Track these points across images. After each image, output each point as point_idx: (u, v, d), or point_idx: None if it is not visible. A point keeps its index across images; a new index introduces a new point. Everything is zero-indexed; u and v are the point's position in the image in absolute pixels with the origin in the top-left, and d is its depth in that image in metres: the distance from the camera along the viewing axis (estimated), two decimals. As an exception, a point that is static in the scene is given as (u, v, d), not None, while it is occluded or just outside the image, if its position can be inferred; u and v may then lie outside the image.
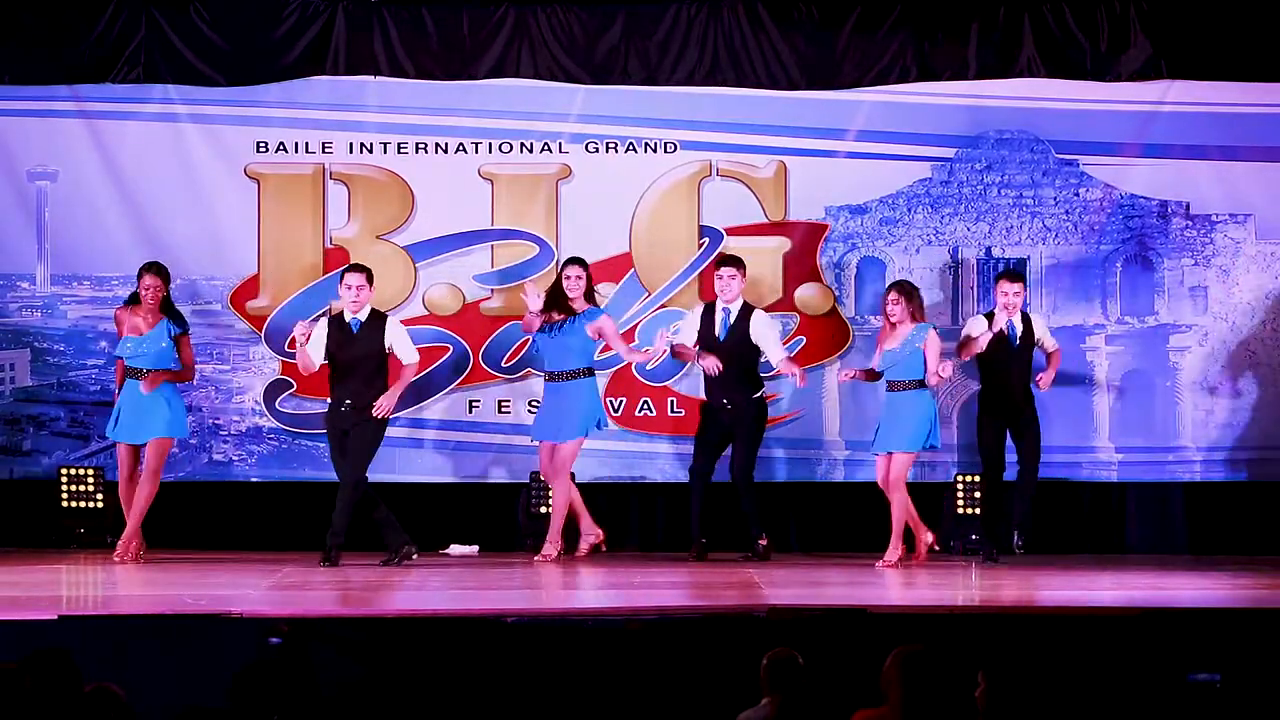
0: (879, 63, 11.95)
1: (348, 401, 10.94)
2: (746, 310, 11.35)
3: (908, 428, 11.09)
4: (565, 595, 10.24)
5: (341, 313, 11.08)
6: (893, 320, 11.12)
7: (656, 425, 12.00)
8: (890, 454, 11.10)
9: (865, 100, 12.00)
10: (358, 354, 10.96)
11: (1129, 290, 12.04)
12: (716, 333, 11.31)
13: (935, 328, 11.28)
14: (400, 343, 11.10)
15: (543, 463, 11.33)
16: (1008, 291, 11.21)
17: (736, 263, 11.39)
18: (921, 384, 11.08)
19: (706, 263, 11.96)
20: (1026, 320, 11.33)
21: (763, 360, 11.41)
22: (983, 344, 11.15)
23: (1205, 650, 7.87)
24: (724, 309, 11.34)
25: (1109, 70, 11.92)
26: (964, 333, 11.38)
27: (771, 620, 8.16)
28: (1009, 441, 11.35)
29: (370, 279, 11.07)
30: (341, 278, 11.11)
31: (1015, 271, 11.54)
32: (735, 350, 11.29)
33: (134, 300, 11.07)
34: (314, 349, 10.98)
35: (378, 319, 11.08)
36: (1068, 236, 12.03)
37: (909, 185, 12.05)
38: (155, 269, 11.03)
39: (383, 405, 10.97)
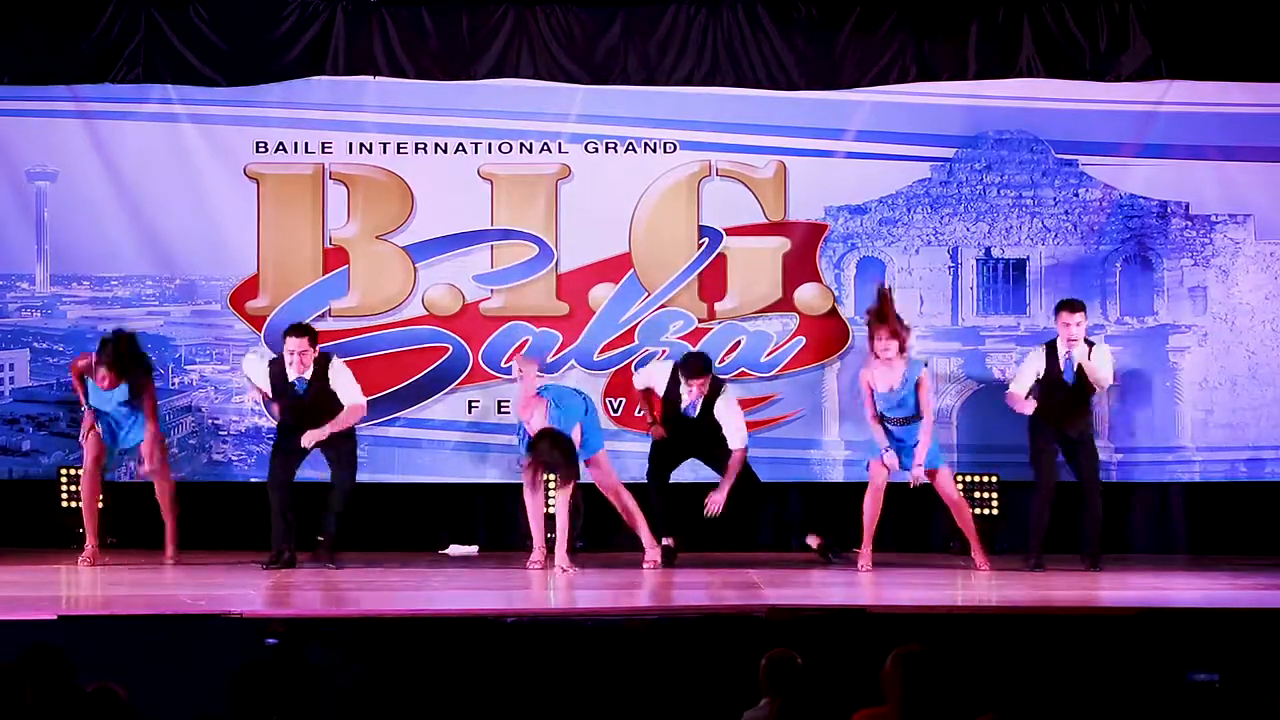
0: (878, 63, 11.95)
1: (313, 439, 10.86)
2: (713, 391, 11.29)
3: (931, 444, 11.03)
4: (565, 595, 10.25)
5: (282, 361, 10.93)
6: (886, 358, 10.95)
7: (656, 425, 11.99)
8: (935, 469, 11.01)
9: (864, 100, 12.00)
10: (309, 408, 10.87)
11: (1128, 290, 12.04)
12: (683, 410, 11.27)
13: (925, 365, 11.25)
14: (345, 389, 10.93)
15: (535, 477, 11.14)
16: (1069, 322, 11.00)
17: (705, 372, 11.23)
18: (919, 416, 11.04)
19: (706, 263, 11.96)
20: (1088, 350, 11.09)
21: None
22: (1025, 408, 11.04)
23: (1204, 650, 7.88)
24: (689, 405, 11.27)
25: (1108, 70, 11.92)
26: (1021, 370, 11.15)
27: (771, 620, 8.17)
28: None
29: (314, 341, 10.91)
30: (284, 338, 10.95)
31: (1076, 301, 11.24)
32: (705, 428, 11.28)
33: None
34: (255, 374, 10.97)
35: (320, 370, 10.94)
36: (1067, 237, 12.03)
37: (908, 185, 12.04)
38: (102, 348, 10.92)
39: (310, 436, 10.83)
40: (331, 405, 10.94)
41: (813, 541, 11.43)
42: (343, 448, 11.02)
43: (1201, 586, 10.39)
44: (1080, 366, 11.06)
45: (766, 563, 11.22)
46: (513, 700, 7.76)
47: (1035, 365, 11.12)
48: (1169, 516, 12.14)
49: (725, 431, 11.27)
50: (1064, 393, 11.06)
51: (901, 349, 10.98)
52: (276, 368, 10.98)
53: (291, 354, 10.87)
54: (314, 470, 11.18)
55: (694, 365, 11.23)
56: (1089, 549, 11.11)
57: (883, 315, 11.04)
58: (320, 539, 11.02)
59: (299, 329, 11.00)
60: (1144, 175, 12.00)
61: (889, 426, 11.04)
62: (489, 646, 7.97)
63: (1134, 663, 7.91)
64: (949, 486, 11.12)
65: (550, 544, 11.04)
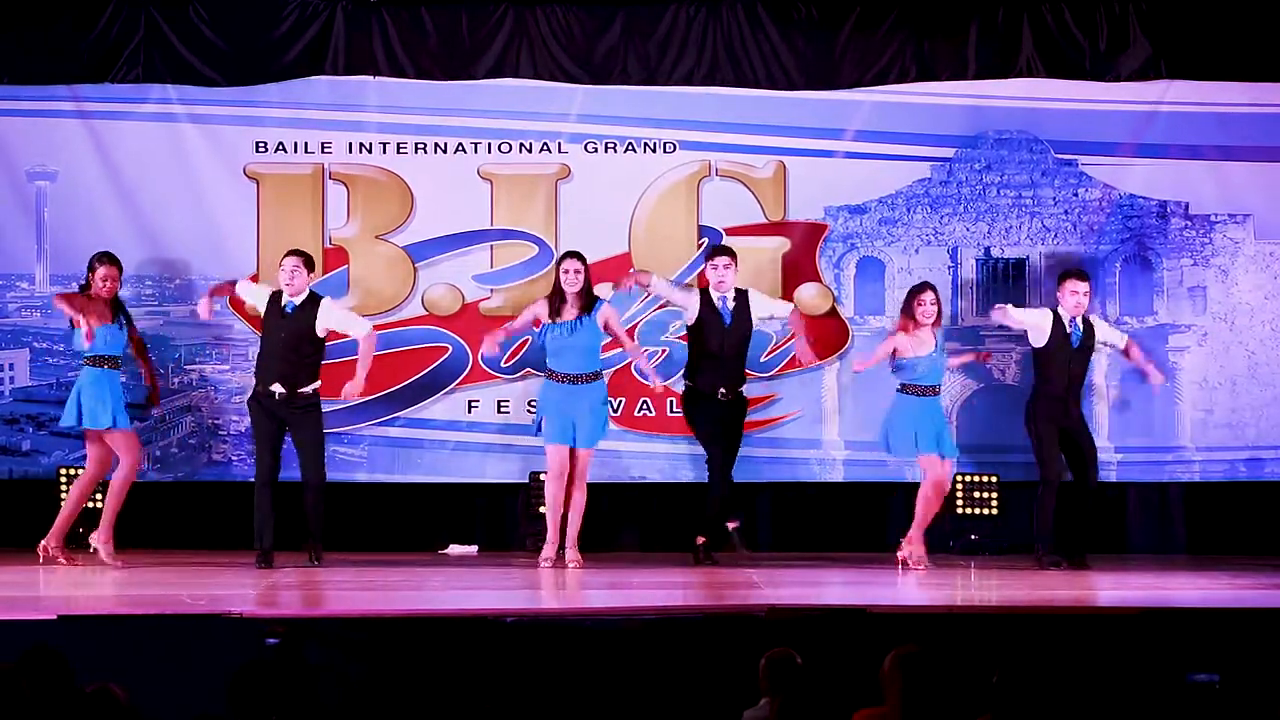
0: (878, 63, 11.95)
1: (278, 389, 10.89)
2: (742, 295, 11.33)
3: (948, 430, 11.10)
4: (565, 595, 10.25)
5: (280, 293, 11.08)
6: (925, 322, 11.00)
7: (656, 425, 11.99)
8: (945, 457, 11.03)
9: (864, 100, 12.00)
10: (288, 335, 10.96)
11: (1128, 290, 12.04)
12: (723, 319, 11.25)
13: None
14: (343, 320, 11.14)
15: (563, 466, 11.04)
16: (1077, 290, 11.07)
17: (731, 252, 11.36)
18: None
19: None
20: (1088, 324, 11.20)
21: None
22: (1006, 318, 11.15)
23: (1205, 650, 7.88)
24: (720, 298, 11.29)
25: (1108, 70, 11.92)
26: (1028, 312, 11.24)
27: (771, 620, 8.17)
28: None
29: (309, 264, 11.10)
30: (280, 261, 11.10)
31: (1084, 270, 11.36)
32: (743, 335, 11.29)
33: (83, 289, 11.03)
34: (249, 295, 11.16)
35: (312, 301, 11.08)
36: (1067, 237, 12.03)
37: (908, 185, 12.05)
38: (112, 259, 11.04)
39: (349, 390, 11.04)
40: (307, 342, 10.98)
41: (731, 524, 11.34)
42: (310, 431, 10.99)
43: (1201, 586, 10.39)
44: (1086, 333, 11.11)
45: (767, 563, 11.22)
46: (513, 700, 7.75)
47: (1040, 321, 11.12)
48: (1169, 516, 12.14)
49: (773, 310, 11.42)
50: (1070, 359, 11.09)
51: (940, 315, 11.04)
52: (275, 293, 11.07)
53: (283, 270, 10.98)
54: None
55: (719, 247, 11.36)
56: (1077, 547, 11.09)
57: (934, 287, 11.17)
58: (313, 545, 10.98)
59: (296, 250, 11.14)
60: (1143, 175, 12.01)
61: (912, 395, 10.98)
62: (489, 646, 7.96)
63: (1134, 663, 7.91)
64: (948, 477, 11.07)
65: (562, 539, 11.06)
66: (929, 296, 11.04)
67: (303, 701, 5.81)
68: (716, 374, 11.24)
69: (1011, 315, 11.20)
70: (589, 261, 11.35)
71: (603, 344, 11.32)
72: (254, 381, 11.11)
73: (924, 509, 10.99)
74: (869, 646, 6.87)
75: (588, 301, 11.11)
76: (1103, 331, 11.35)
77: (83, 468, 11.76)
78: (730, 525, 11.33)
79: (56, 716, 5.71)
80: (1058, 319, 11.13)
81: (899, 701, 5.57)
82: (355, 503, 11.84)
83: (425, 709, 7.75)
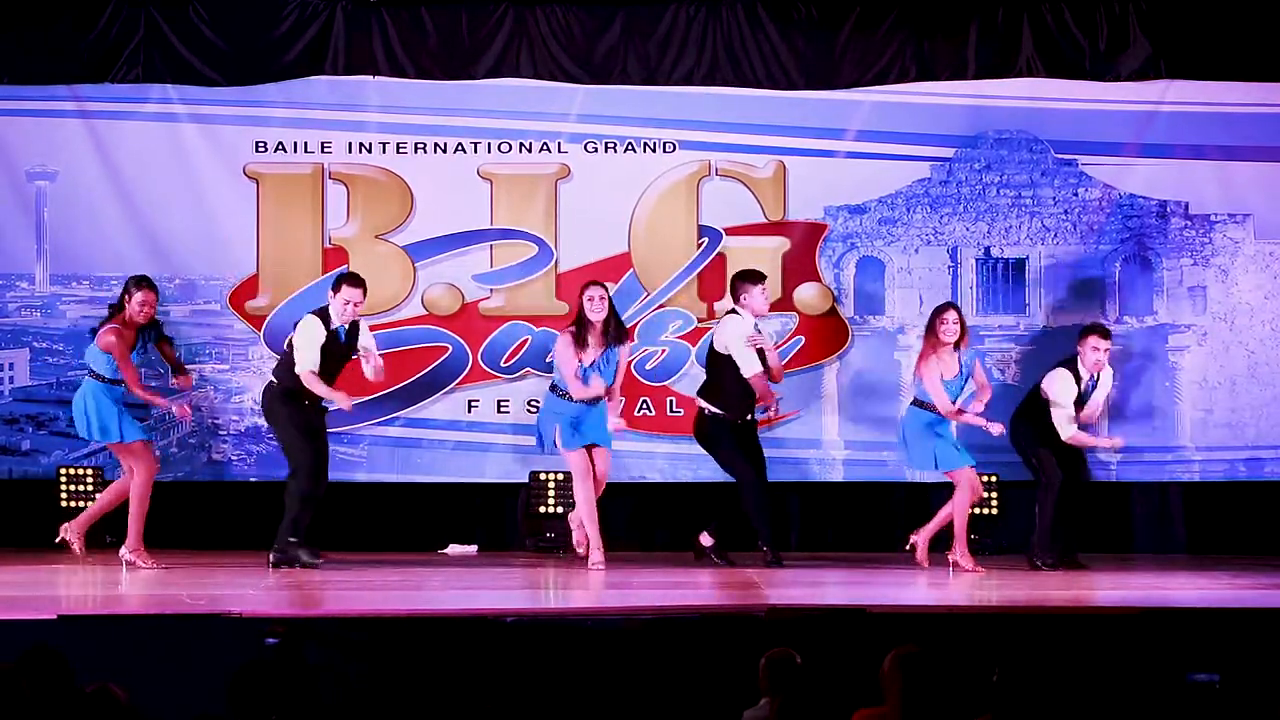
0: (878, 62, 11.95)
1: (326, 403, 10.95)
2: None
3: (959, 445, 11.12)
4: (565, 595, 10.26)
5: (326, 314, 10.91)
6: (948, 341, 10.90)
7: (655, 425, 11.99)
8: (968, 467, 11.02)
9: (864, 100, 12.00)
10: (343, 358, 10.96)
11: (1128, 290, 12.04)
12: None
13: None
14: (368, 342, 11.07)
15: (590, 469, 11.02)
16: (1099, 347, 11.00)
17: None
18: None
19: (705, 263, 11.97)
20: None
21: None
22: (1103, 442, 11.16)
23: (1205, 650, 7.88)
24: (758, 324, 11.25)
25: (1108, 70, 11.92)
26: (1061, 401, 10.96)
27: (771, 620, 8.17)
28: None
29: (366, 292, 11.00)
30: (339, 288, 10.88)
31: (1107, 328, 11.29)
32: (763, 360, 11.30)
33: (115, 310, 10.98)
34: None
35: (355, 326, 11.04)
36: (1067, 236, 12.03)
37: (908, 185, 12.05)
38: (151, 284, 11.01)
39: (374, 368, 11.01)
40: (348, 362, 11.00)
41: (705, 540, 11.27)
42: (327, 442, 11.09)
43: (1201, 586, 10.40)
44: (1100, 384, 11.13)
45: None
46: (513, 700, 7.76)
47: (1072, 390, 11.02)
48: (1169, 516, 12.14)
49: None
50: (1078, 409, 11.08)
51: (963, 333, 10.93)
52: (325, 319, 10.87)
53: (347, 304, 10.80)
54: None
55: (752, 273, 11.21)
56: (1068, 546, 11.11)
57: (958, 307, 11.10)
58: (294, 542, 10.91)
59: (359, 279, 10.95)
60: (1144, 175, 12.01)
61: (928, 410, 10.93)
62: (489, 646, 7.97)
63: (1134, 663, 7.91)
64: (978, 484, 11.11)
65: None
66: (951, 316, 10.93)
67: (303, 701, 5.81)
68: (746, 399, 11.15)
69: (1072, 420, 11.02)
70: (587, 261, 11.38)
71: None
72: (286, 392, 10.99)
73: (964, 520, 10.96)
74: (869, 646, 6.86)
75: (614, 331, 11.00)
76: (1106, 389, 11.28)
77: (83, 467, 11.80)
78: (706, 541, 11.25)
79: (56, 716, 5.71)
80: (1076, 378, 11.03)
81: (899, 701, 5.57)
82: (355, 503, 11.84)
83: (425, 709, 7.75)
